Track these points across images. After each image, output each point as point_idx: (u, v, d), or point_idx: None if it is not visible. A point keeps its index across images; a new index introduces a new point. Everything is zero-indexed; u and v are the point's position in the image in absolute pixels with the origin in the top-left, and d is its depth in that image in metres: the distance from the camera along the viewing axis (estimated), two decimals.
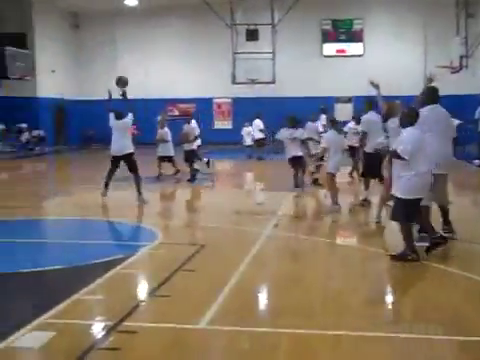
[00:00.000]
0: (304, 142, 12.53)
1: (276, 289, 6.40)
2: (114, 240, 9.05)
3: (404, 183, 6.91)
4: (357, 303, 5.73)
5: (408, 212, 6.94)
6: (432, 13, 28.18)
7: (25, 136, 28.09)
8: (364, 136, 10.97)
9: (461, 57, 24.01)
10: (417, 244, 7.11)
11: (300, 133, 12.34)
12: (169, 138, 15.76)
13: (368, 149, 10.65)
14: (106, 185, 11.87)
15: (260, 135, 22.30)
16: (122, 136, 11.74)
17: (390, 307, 5.90)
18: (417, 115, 7.12)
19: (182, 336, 4.90)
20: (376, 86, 9.54)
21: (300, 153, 12.30)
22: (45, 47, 28.54)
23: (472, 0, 25.51)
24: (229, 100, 31.17)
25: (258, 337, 4.90)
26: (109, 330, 4.90)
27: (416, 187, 6.89)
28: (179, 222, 10.56)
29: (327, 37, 30.80)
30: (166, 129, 15.89)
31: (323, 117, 19.86)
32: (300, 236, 9.07)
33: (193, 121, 16.96)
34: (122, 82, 11.83)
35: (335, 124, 11.29)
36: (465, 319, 5.24)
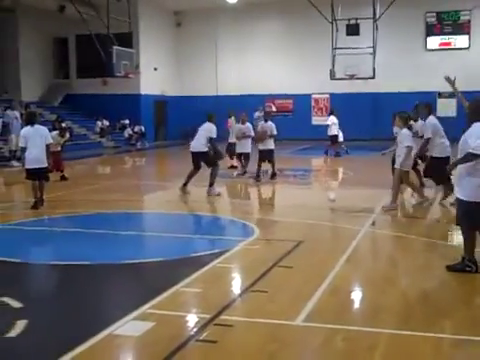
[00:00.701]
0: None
1: (373, 288, 6.25)
2: (212, 235, 9.19)
3: (473, 183, 6.15)
4: (454, 305, 5.52)
5: (473, 217, 6.20)
6: None
7: (128, 132, 29.17)
8: (427, 142, 10.63)
9: None
10: None
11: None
12: (251, 133, 15.71)
13: (436, 153, 10.54)
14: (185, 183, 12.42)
15: (334, 132, 21.89)
16: (200, 136, 12.36)
17: None
18: None
19: (278, 332, 4.90)
20: (452, 82, 8.95)
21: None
22: (148, 45, 29.44)
23: None
24: (327, 96, 30.87)
25: (354, 336, 4.83)
26: (206, 323, 4.98)
27: None
28: (275, 218, 10.58)
29: (432, 30, 29.81)
30: (248, 124, 15.89)
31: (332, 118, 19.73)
32: (397, 234, 8.84)
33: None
34: None
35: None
36: None
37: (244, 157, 15.78)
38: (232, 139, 16.62)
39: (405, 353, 4.52)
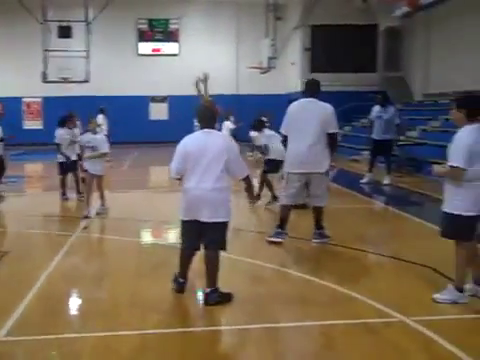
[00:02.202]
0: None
1: (83, 292, 6.17)
2: None
3: None
4: (163, 301, 5.71)
5: None
6: (244, 15, 29.26)
7: None
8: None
9: (270, 58, 25.20)
10: None
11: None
12: None
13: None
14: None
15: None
16: None
17: None
18: None
19: None
20: (203, 84, 9.11)
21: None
22: None
23: (280, 4, 26.89)
24: (39, 99, 29.76)
25: (63, 344, 4.69)
26: None
27: None
28: None
29: (144, 36, 30.66)
30: None
31: (100, 117, 19.90)
32: (109, 237, 8.86)
33: None
34: None
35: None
36: None
37: None
38: None
39: (112, 353, 4.53)
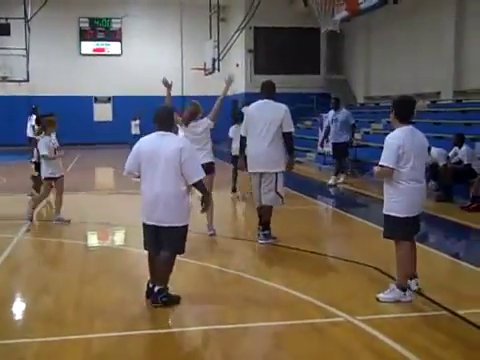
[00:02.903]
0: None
1: (26, 297, 6.06)
2: None
3: None
4: (110, 304, 5.64)
5: None
6: (188, 16, 29.23)
7: None
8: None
9: (214, 60, 25.19)
10: None
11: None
12: None
13: None
14: None
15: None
16: None
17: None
18: None
19: None
20: (168, 86, 8.88)
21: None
22: None
23: (224, 5, 26.93)
24: None
25: (3, 352, 4.57)
26: None
27: None
28: None
29: (85, 35, 30.18)
30: None
31: (34, 117, 19.51)
32: (53, 240, 8.68)
33: None
34: None
35: None
36: None
37: None
38: None
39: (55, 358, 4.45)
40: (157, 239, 5.49)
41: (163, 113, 5.70)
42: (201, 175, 5.52)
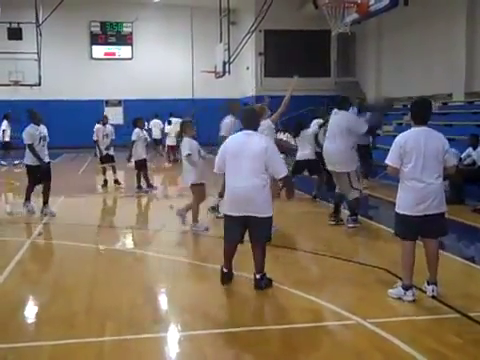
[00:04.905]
0: None
1: (39, 300, 6.09)
2: None
3: None
4: (118, 308, 5.66)
5: None
6: (198, 20, 29.28)
7: None
8: None
9: (224, 63, 25.20)
10: None
11: None
12: None
13: None
14: None
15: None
16: None
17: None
18: None
19: None
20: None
21: None
22: None
23: (234, 8, 26.95)
24: None
25: (20, 354, 4.61)
26: None
27: None
28: None
29: (96, 39, 30.35)
30: None
31: (5, 123, 19.64)
32: (65, 243, 8.69)
33: None
34: None
35: None
36: None
37: None
38: None
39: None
40: (244, 229, 5.99)
41: (248, 113, 6.35)
42: (286, 171, 6.04)
